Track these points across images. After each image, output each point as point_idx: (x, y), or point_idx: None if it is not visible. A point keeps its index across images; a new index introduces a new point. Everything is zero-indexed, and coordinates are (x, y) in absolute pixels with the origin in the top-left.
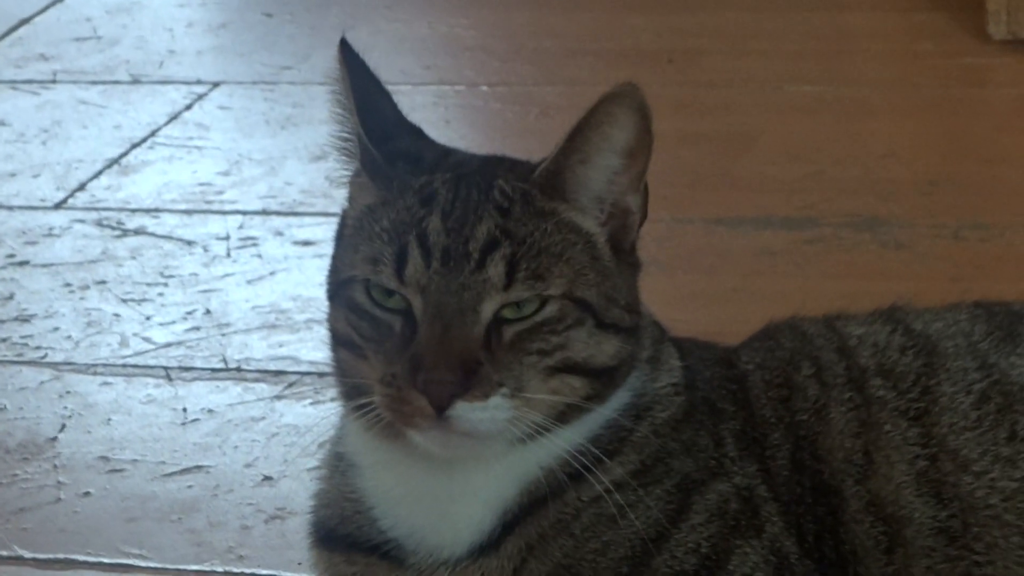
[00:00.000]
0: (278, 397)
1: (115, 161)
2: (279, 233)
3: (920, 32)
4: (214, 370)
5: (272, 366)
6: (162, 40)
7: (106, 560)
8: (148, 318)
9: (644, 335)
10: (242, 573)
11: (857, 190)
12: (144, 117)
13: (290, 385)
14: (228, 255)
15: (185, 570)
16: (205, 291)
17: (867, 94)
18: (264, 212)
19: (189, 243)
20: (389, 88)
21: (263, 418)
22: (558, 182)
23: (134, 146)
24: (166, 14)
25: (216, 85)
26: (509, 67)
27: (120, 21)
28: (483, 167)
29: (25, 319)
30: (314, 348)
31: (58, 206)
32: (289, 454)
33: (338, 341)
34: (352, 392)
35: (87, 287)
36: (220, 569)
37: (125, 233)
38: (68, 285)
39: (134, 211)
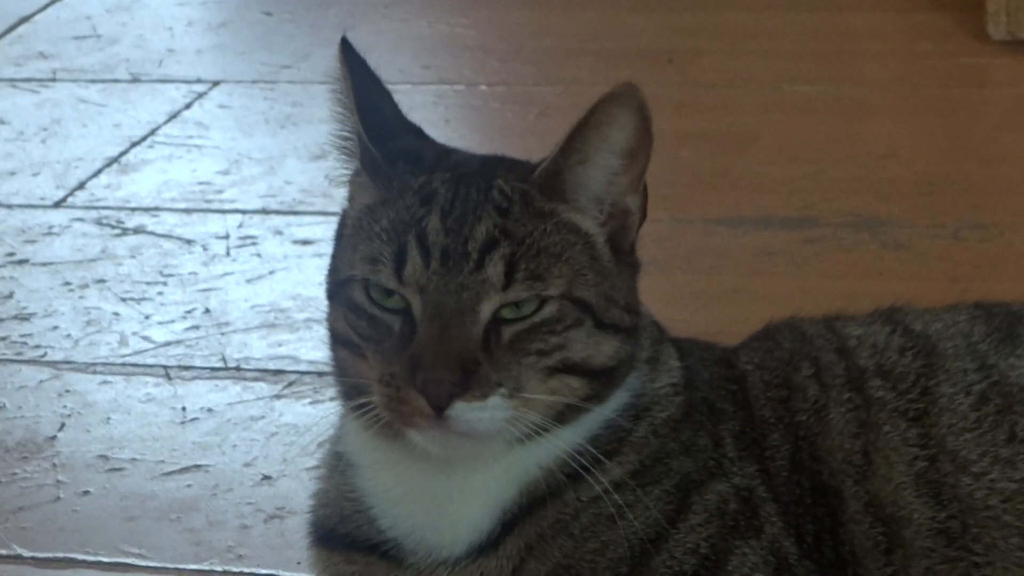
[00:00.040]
0: (277, 396)
1: (115, 160)
2: (278, 232)
3: (920, 32)
4: (213, 369)
5: (271, 365)
6: (162, 39)
7: (105, 559)
8: (147, 317)
9: (643, 335)
10: (241, 572)
11: (857, 190)
12: (144, 116)
13: (289, 384)
14: (227, 254)
15: (184, 569)
16: (204, 290)
17: (867, 94)
18: (264, 211)
19: (188, 242)
20: (389, 88)
21: (262, 417)
22: (557, 182)
23: (134, 145)
24: (166, 13)
25: (216, 84)
26: (509, 67)
27: (120, 19)
28: (483, 167)
29: (24, 318)
30: (313, 347)
31: (57, 205)
32: (288, 453)
33: (337, 340)
34: (351, 392)
35: (86, 286)
36: (219, 568)
37: (124, 232)
38: (67, 284)
39: (133, 210)
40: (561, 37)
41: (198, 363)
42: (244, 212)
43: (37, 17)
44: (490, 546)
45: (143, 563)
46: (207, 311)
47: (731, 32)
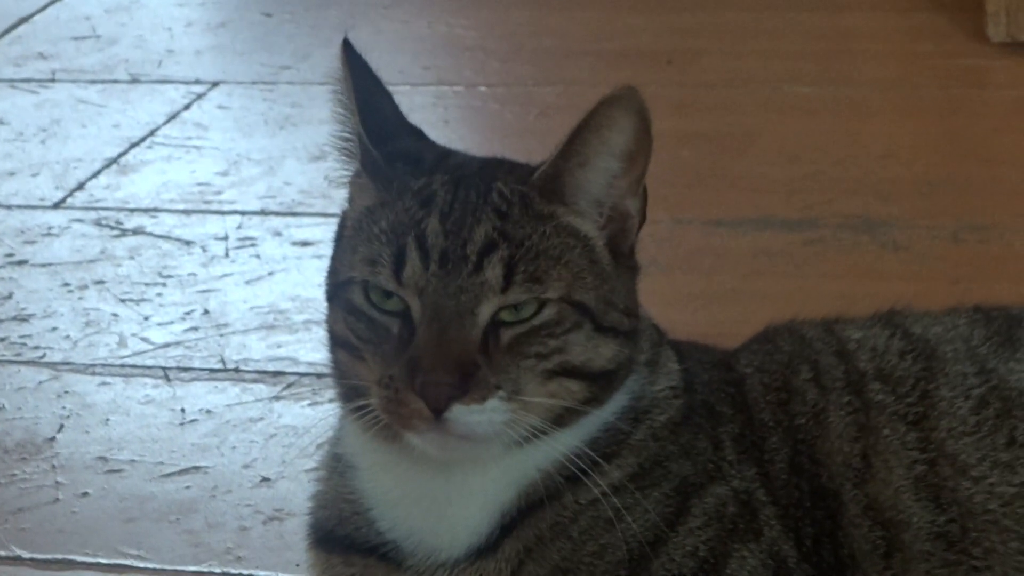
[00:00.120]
0: (276, 398)
1: (114, 161)
2: (278, 233)
3: (919, 33)
4: (212, 370)
5: (270, 367)
6: (161, 39)
7: (104, 560)
8: (146, 318)
9: (643, 338)
10: (240, 574)
11: (856, 191)
12: (143, 116)
13: (288, 386)
14: (227, 255)
15: (183, 571)
16: (203, 291)
17: (866, 95)
18: (263, 212)
19: (188, 243)
20: (388, 89)
21: (261, 419)
22: (557, 185)
23: (133, 146)
24: (165, 13)
25: (215, 85)
26: (508, 67)
27: (119, 20)
28: (482, 169)
29: (23, 319)
30: (312, 349)
31: (57, 205)
32: (287, 455)
33: (336, 342)
34: (350, 394)
35: (85, 287)
36: (218, 570)
37: (124, 233)
38: (67, 285)
39: (133, 211)
40: (561, 38)
41: (197, 364)
42: (243, 213)
43: (36, 17)
44: (489, 549)
45: (142, 564)
46: (206, 312)
47: (731, 33)
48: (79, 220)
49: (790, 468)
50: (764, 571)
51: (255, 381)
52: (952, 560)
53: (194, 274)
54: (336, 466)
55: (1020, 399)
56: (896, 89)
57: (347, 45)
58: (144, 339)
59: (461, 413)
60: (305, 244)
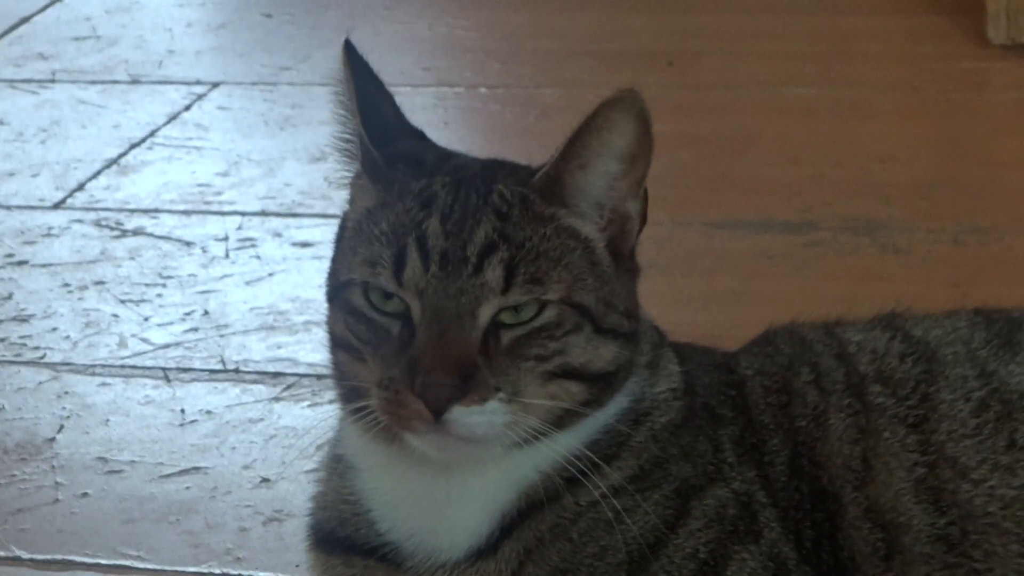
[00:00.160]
0: (276, 399)
1: (114, 161)
2: (278, 234)
3: (919, 35)
4: (212, 371)
5: (270, 368)
6: (161, 40)
7: (104, 561)
8: (146, 319)
9: (643, 340)
10: (240, 575)
11: (856, 193)
12: (143, 117)
13: (288, 387)
14: (227, 256)
15: (183, 571)
16: (203, 292)
17: (866, 97)
18: (263, 213)
19: (188, 244)
20: (389, 90)
21: (261, 420)
22: (557, 187)
23: (133, 146)
24: (165, 14)
25: (215, 85)
26: (508, 69)
27: (119, 21)
28: (483, 171)
29: (23, 319)
30: (312, 350)
31: (57, 206)
32: (287, 456)
33: (336, 344)
34: (350, 395)
35: (86, 287)
36: (218, 571)
37: (124, 233)
38: (67, 285)
39: (133, 211)
40: (561, 39)
41: (197, 365)
42: (243, 214)
43: (36, 18)
44: (489, 550)
45: (141, 565)
46: (206, 313)
47: (731, 34)
48: (79, 221)
49: (790, 470)
50: (764, 573)
51: (255, 382)
52: (952, 563)
53: (194, 275)
54: (336, 467)
55: (1020, 402)
56: (896, 91)
57: (348, 46)
58: (144, 340)
59: (461, 414)
60: (305, 245)
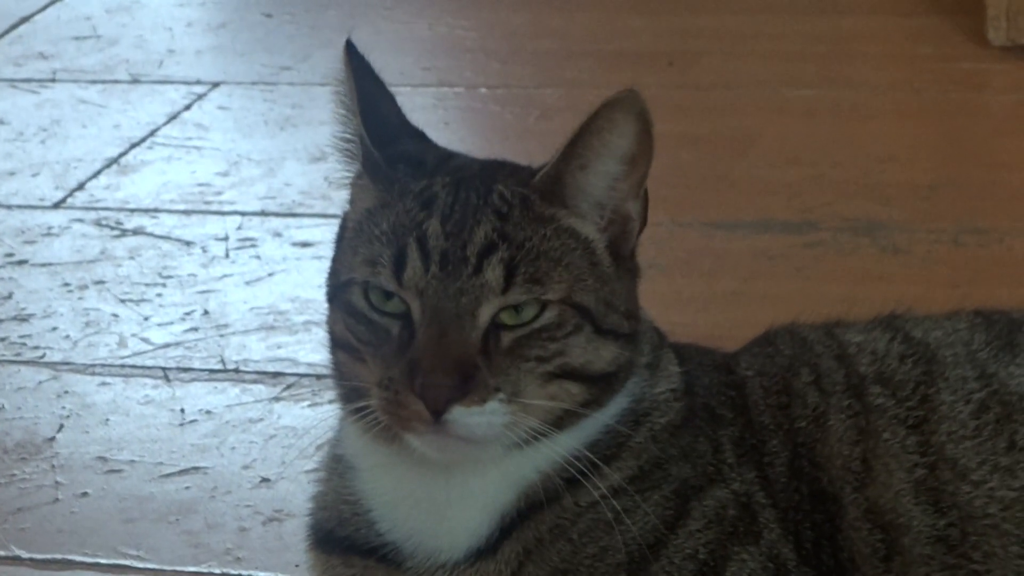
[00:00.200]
0: (276, 399)
1: (114, 161)
2: (278, 234)
3: (919, 36)
4: (212, 371)
5: (270, 367)
6: (161, 40)
7: (103, 561)
8: (146, 318)
9: (643, 340)
10: (239, 575)
11: (856, 194)
12: (143, 117)
13: (288, 387)
14: (227, 256)
15: (182, 571)
16: (203, 292)
17: (866, 98)
18: (263, 213)
19: (188, 244)
20: (389, 90)
21: (261, 420)
22: (558, 188)
23: (133, 146)
24: (166, 14)
25: (215, 85)
26: (508, 69)
27: (120, 20)
28: (483, 171)
29: (23, 319)
30: (312, 350)
31: (57, 205)
32: (287, 456)
33: (336, 344)
34: (350, 395)
35: (85, 287)
36: (217, 571)
37: (124, 233)
38: (67, 285)
39: (133, 211)
40: (561, 39)
41: (197, 365)
42: (243, 214)
43: (37, 17)
44: (489, 551)
45: (141, 565)
46: (206, 313)
47: (731, 35)
48: (79, 220)
49: (790, 471)
50: (764, 574)
51: (255, 382)
52: (952, 564)
53: (194, 275)
54: (336, 467)
55: (1020, 403)
56: (896, 92)
57: (350, 46)
58: (144, 339)
59: (460, 415)
60: (305, 245)
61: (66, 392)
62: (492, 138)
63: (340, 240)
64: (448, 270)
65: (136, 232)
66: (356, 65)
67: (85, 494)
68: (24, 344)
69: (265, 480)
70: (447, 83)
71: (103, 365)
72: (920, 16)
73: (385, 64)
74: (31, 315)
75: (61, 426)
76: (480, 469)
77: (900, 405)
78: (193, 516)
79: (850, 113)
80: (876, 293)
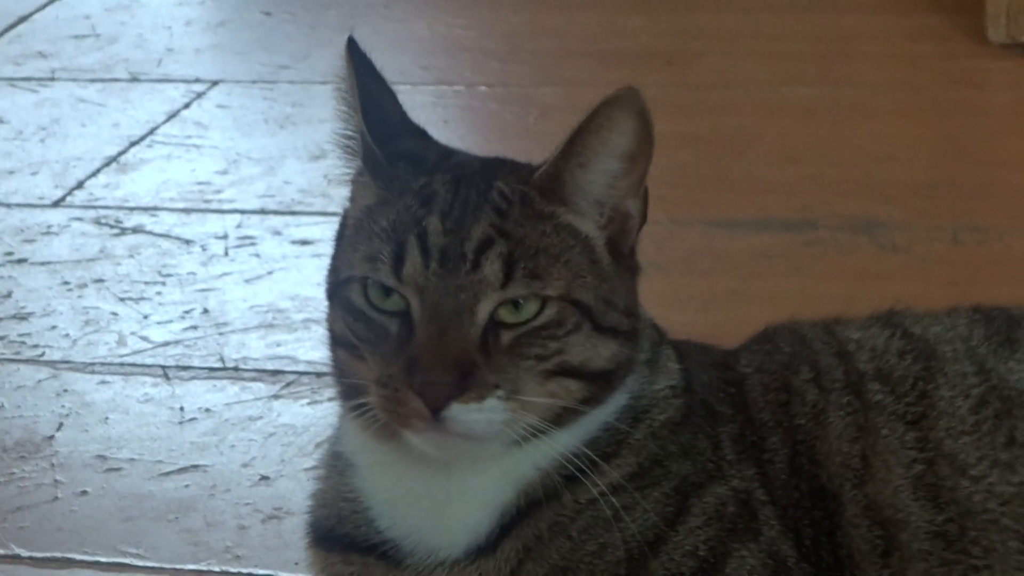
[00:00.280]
0: (275, 397)
1: (113, 159)
2: (277, 232)
3: (919, 35)
4: (211, 369)
5: (270, 365)
6: (161, 38)
7: (103, 559)
8: (146, 317)
9: (642, 338)
10: (239, 573)
11: (855, 193)
12: (143, 115)
13: (288, 385)
14: (226, 254)
15: (182, 569)
16: (203, 290)
17: (865, 96)
18: (262, 211)
19: (187, 242)
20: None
21: (260, 418)
22: (557, 185)
23: (132, 144)
24: (165, 12)
25: (215, 84)
26: (508, 68)
27: (119, 19)
28: (483, 169)
29: (23, 317)
30: (312, 348)
31: (56, 204)
32: (286, 454)
33: (336, 341)
34: (350, 392)
35: (85, 285)
36: (217, 569)
37: (123, 231)
38: (66, 283)
39: (132, 209)
40: (560, 38)
41: (196, 363)
42: (243, 212)
43: (36, 16)
44: (488, 548)
45: (141, 563)
46: (205, 311)
47: (730, 34)
48: (78, 219)
49: (789, 468)
50: (763, 571)
51: (254, 380)
52: (951, 559)
53: (193, 273)
54: (335, 465)
55: (1019, 399)
56: (896, 91)
57: (351, 43)
58: (143, 338)
59: (459, 412)
60: (304, 243)
61: (65, 390)
62: (491, 137)
63: (340, 237)
64: (448, 267)
65: (135, 230)
66: (358, 62)
67: (84, 492)
68: (23, 342)
69: (264, 478)
70: (446, 82)
71: (102, 363)
72: (919, 15)
73: (384, 63)
74: (30, 313)
75: (60, 424)
76: (479, 466)
77: (899, 401)
78: (192, 514)
79: (849, 112)
80: (875, 292)
